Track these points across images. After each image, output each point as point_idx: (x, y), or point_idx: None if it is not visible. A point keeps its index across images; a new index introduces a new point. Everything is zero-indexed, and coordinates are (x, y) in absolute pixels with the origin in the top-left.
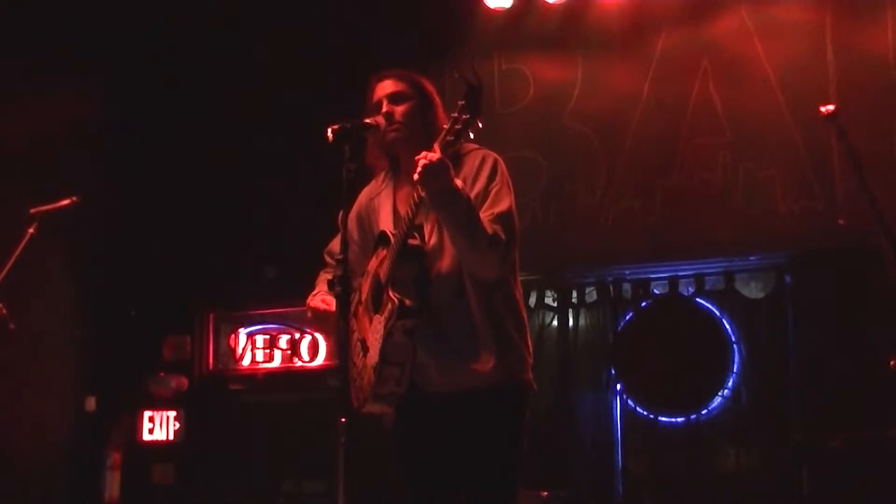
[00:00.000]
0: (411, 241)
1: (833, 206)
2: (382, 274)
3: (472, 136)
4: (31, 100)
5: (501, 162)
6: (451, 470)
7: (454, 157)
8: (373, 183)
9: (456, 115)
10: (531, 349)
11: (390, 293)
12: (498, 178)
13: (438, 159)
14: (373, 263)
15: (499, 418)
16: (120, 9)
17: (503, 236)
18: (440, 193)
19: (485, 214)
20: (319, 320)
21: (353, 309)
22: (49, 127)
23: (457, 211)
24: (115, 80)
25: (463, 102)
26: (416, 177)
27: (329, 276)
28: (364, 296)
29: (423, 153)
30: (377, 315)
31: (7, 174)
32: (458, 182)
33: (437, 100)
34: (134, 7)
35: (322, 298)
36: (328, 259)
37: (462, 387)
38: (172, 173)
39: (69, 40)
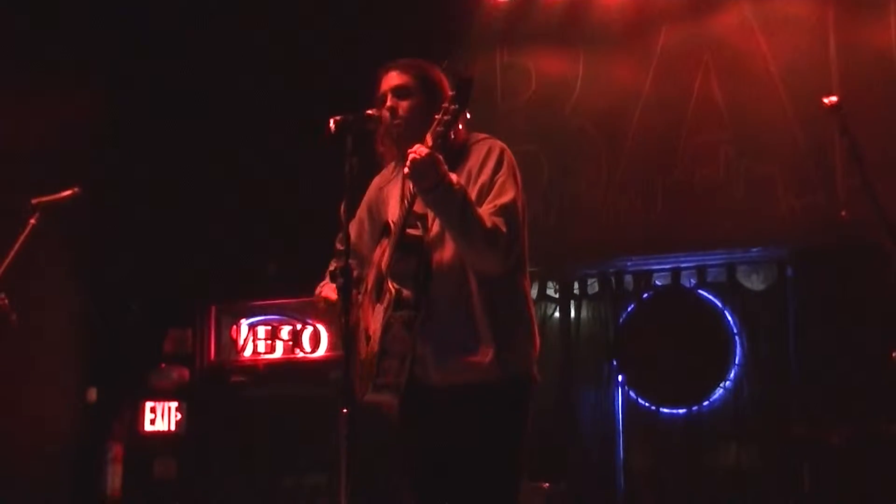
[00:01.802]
0: (410, 231)
1: (835, 202)
2: (384, 264)
3: (461, 126)
4: (33, 96)
5: (508, 152)
6: (452, 463)
7: (462, 147)
8: (384, 171)
9: (445, 105)
10: (538, 343)
11: (388, 284)
12: (504, 169)
13: (427, 154)
14: (377, 253)
15: (498, 412)
16: (120, 8)
17: (504, 229)
18: (431, 189)
19: (487, 206)
20: (330, 310)
21: (360, 299)
22: (51, 121)
23: (449, 207)
24: (115, 76)
25: (453, 93)
26: (405, 171)
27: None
28: (369, 286)
29: (414, 147)
30: (378, 305)
31: (8, 171)
32: (454, 176)
33: (446, 91)
34: (134, 6)
35: (332, 288)
36: (339, 246)
37: (460, 380)
38: (174, 166)
39: (69, 39)
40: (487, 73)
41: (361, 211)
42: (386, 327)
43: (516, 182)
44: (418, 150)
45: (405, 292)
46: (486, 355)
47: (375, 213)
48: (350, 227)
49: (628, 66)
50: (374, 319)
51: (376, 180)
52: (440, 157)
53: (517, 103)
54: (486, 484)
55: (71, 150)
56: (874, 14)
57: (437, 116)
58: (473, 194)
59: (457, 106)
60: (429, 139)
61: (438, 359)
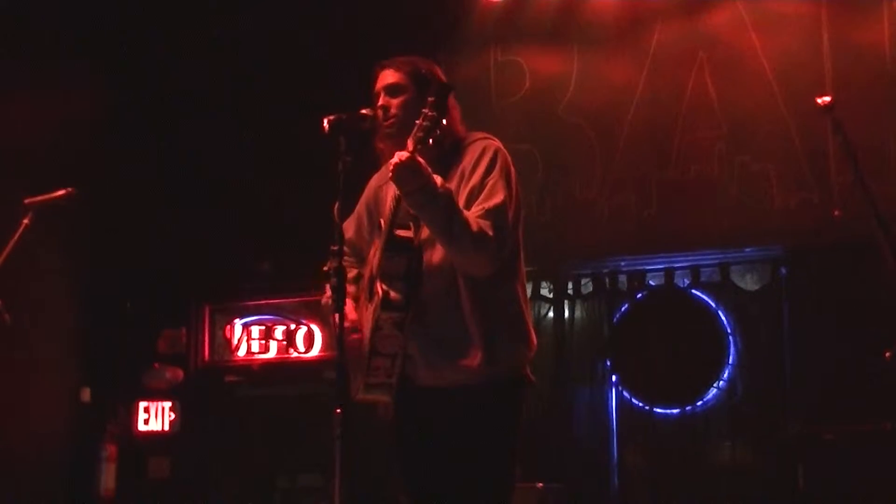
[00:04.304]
0: (399, 232)
1: (828, 199)
2: (374, 265)
3: (439, 132)
4: (31, 94)
5: (504, 152)
6: (446, 464)
7: (457, 146)
8: (382, 169)
9: (425, 111)
10: (534, 343)
11: (378, 285)
12: (496, 171)
13: (408, 159)
14: (372, 252)
15: (489, 413)
16: (120, 6)
17: (491, 233)
18: (414, 193)
19: (476, 209)
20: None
21: (360, 297)
22: (47, 121)
23: (433, 210)
24: (114, 76)
25: (433, 100)
26: (389, 176)
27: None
28: (364, 284)
29: (398, 153)
30: (369, 305)
31: (5, 169)
32: (438, 179)
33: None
34: (134, 4)
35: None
36: (333, 247)
37: (450, 382)
38: (169, 166)
39: (69, 36)
40: (481, 71)
41: (360, 208)
42: (376, 327)
43: (508, 183)
44: (400, 155)
45: (392, 294)
46: (475, 358)
47: (373, 210)
48: (349, 224)
49: (622, 64)
50: (366, 319)
51: (375, 178)
52: (422, 161)
53: (511, 101)
54: (481, 484)
55: (65, 149)
56: (867, 12)
57: (417, 122)
58: (464, 195)
59: (435, 113)
60: (410, 144)
61: (428, 360)
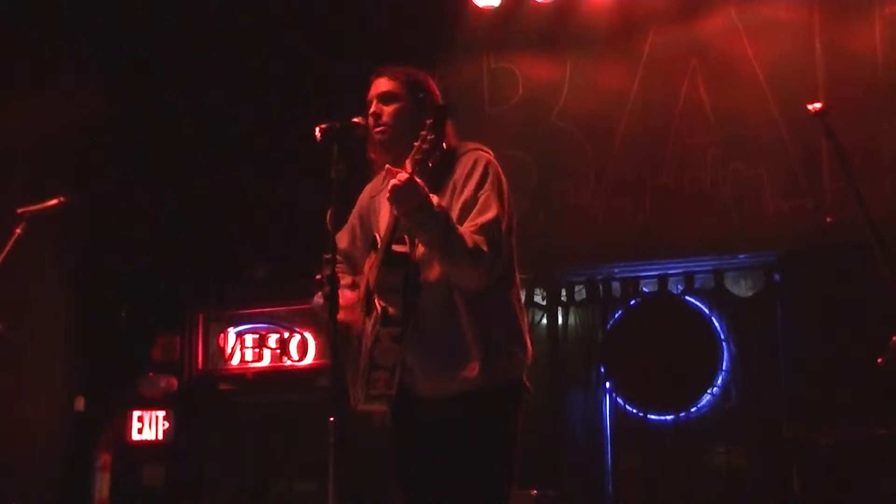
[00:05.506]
0: (396, 248)
1: (821, 205)
2: (371, 279)
3: (438, 153)
4: (29, 99)
5: (495, 163)
6: (442, 472)
7: (449, 157)
8: (375, 180)
9: (423, 134)
10: (530, 352)
11: (375, 301)
12: (488, 184)
13: (407, 180)
14: (367, 265)
15: (486, 421)
16: (120, 8)
17: (486, 248)
18: (412, 213)
19: (469, 225)
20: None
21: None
22: (44, 126)
23: (431, 229)
24: (111, 81)
25: (429, 122)
26: (387, 196)
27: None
28: (361, 296)
29: (397, 173)
30: (367, 319)
31: (2, 173)
32: (435, 198)
33: (436, 98)
34: (134, 6)
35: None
36: (326, 255)
37: (448, 392)
38: (163, 175)
39: (69, 39)
40: (475, 78)
41: (353, 218)
42: (375, 341)
43: (501, 196)
44: (399, 177)
45: (391, 309)
46: (473, 368)
47: (367, 220)
48: (343, 235)
49: (615, 71)
50: (364, 332)
51: (368, 188)
52: (420, 182)
53: (504, 108)
54: (478, 492)
55: (60, 153)
56: (859, 18)
57: (415, 144)
58: (456, 209)
59: (434, 135)
60: (408, 165)
61: (426, 371)
